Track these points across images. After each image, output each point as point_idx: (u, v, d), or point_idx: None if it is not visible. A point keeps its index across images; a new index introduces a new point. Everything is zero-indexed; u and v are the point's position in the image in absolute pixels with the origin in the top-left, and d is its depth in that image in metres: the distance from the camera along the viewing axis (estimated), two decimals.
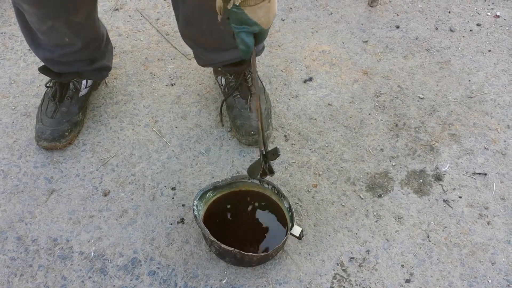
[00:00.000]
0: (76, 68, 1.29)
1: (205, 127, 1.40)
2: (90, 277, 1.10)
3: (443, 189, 1.27)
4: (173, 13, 1.72)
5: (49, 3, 1.08)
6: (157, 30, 1.66)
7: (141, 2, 1.75)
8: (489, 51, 1.61)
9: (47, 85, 1.34)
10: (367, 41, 1.64)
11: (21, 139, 1.34)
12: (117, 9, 1.72)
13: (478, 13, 1.75)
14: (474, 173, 1.30)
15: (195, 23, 1.20)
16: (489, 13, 1.75)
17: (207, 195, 1.16)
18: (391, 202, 1.24)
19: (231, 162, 1.32)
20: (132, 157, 1.32)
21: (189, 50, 1.59)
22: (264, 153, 1.10)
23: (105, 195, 1.24)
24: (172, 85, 1.50)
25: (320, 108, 1.44)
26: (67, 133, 1.30)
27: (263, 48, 1.35)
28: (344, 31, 1.68)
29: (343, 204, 1.23)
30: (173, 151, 1.34)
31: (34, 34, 1.22)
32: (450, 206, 1.23)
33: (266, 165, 1.11)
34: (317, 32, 1.68)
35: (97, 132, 1.37)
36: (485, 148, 1.35)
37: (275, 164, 1.31)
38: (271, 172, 1.13)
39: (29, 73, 1.51)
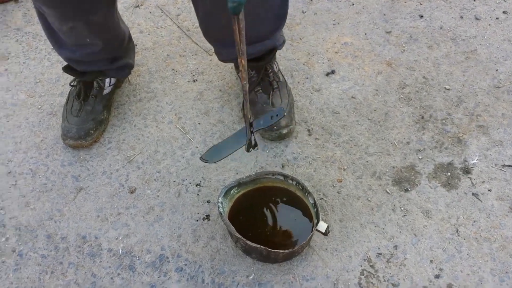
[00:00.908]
0: (98, 66, 1.30)
1: (228, 122, 1.40)
2: (119, 274, 1.11)
3: (472, 182, 1.24)
4: (193, 8, 1.72)
5: (67, 4, 1.09)
6: (178, 26, 1.66)
7: None
8: None
9: (72, 84, 1.36)
10: (390, 32, 1.61)
11: (48, 137, 1.36)
12: (138, 6, 1.73)
13: (504, 1, 1.70)
14: (504, 165, 1.27)
15: (214, 18, 1.19)
16: None
17: (232, 192, 1.17)
18: (419, 196, 1.22)
19: (254, 158, 1.31)
20: (156, 154, 1.33)
21: (210, 46, 1.58)
22: (250, 121, 1.04)
23: (132, 192, 1.25)
24: (194, 81, 1.50)
25: (343, 102, 1.43)
26: (92, 131, 1.32)
27: (284, 41, 1.34)
28: (366, 22, 1.65)
29: (369, 199, 1.22)
30: (197, 147, 1.34)
31: (56, 35, 1.23)
32: (479, 200, 1.21)
33: (252, 136, 1.06)
34: (338, 23, 1.66)
35: (122, 130, 1.38)
36: None
37: (299, 159, 1.30)
38: (255, 145, 1.08)
39: (53, 72, 1.52)
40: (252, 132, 1.05)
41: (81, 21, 1.14)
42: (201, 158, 1.12)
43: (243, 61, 0.87)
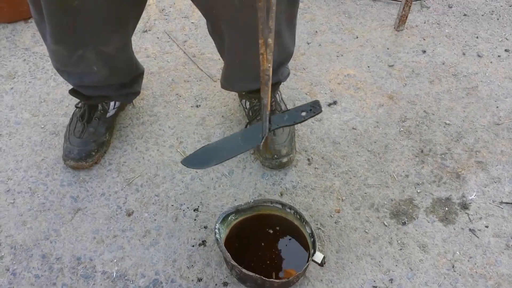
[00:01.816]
0: (105, 92, 1.32)
1: None
2: None
3: (469, 218, 1.24)
4: (200, 35, 1.75)
5: (79, 33, 1.09)
6: (184, 52, 1.69)
7: (169, 25, 1.79)
8: None
9: (77, 105, 1.38)
10: (392, 66, 1.64)
11: (49, 157, 1.37)
12: (146, 31, 1.76)
13: (507, 39, 1.73)
14: (501, 202, 1.27)
15: (233, 57, 1.21)
16: None
17: (229, 218, 1.17)
18: (416, 230, 1.22)
19: (253, 185, 1.32)
20: (156, 178, 1.33)
21: (214, 72, 1.61)
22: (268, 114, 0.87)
23: (129, 215, 1.25)
24: (197, 106, 1.52)
25: (344, 132, 1.44)
26: (93, 153, 1.33)
27: (288, 74, 1.36)
28: (369, 55, 1.68)
29: (367, 230, 1.22)
30: (197, 172, 1.35)
31: (65, 69, 1.24)
32: (476, 236, 1.21)
33: (269, 132, 0.90)
34: (342, 55, 1.68)
35: (123, 152, 1.39)
36: None
37: (298, 188, 1.31)
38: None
39: (58, 92, 1.55)
40: (270, 130, 0.91)
41: (90, 48, 1.14)
42: (183, 162, 0.93)
43: (270, 40, 0.77)
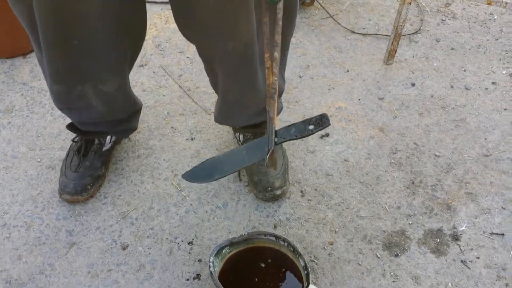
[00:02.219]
0: (103, 128, 1.34)
1: (223, 181, 1.42)
2: None
3: (461, 249, 1.26)
4: (195, 69, 1.80)
5: (76, 73, 1.11)
6: (180, 86, 1.73)
7: (165, 59, 1.83)
8: (505, 109, 1.63)
9: (74, 139, 1.40)
10: (383, 98, 1.68)
11: (45, 191, 1.38)
12: (142, 65, 1.80)
13: (493, 72, 1.78)
14: (492, 233, 1.29)
15: (227, 96, 1.24)
16: (504, 72, 1.78)
17: (223, 251, 1.17)
18: (408, 261, 1.23)
19: (248, 217, 1.33)
20: (151, 211, 1.34)
21: (209, 106, 1.64)
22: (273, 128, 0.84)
23: (124, 248, 1.26)
24: (192, 139, 1.55)
25: (336, 164, 1.46)
26: (89, 187, 1.34)
27: (282, 109, 1.39)
28: (360, 88, 1.72)
29: (360, 263, 1.23)
30: (191, 205, 1.36)
31: (67, 107, 1.26)
32: (467, 267, 1.22)
33: (275, 145, 0.86)
34: (333, 89, 1.72)
35: (118, 185, 1.40)
36: (502, 207, 1.35)
37: (292, 220, 1.32)
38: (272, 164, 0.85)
39: (55, 126, 1.57)
40: (276, 143, 0.88)
41: (90, 88, 1.16)
42: (184, 176, 0.89)
43: (276, 54, 0.77)
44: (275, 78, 0.79)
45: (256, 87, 1.15)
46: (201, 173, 0.92)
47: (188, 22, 1.05)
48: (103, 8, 0.99)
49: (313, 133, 0.90)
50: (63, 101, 1.21)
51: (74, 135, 1.40)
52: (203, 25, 1.01)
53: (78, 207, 1.35)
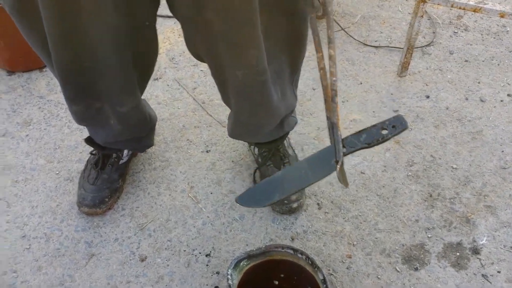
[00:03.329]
0: (119, 146, 1.35)
1: (239, 193, 1.42)
2: None
3: (481, 263, 1.25)
4: (208, 82, 1.81)
5: (90, 91, 1.11)
6: (194, 99, 1.74)
7: (179, 72, 1.84)
8: None
9: (92, 152, 1.41)
10: (397, 111, 1.68)
11: (64, 203, 1.39)
12: (157, 79, 1.82)
13: (509, 84, 1.78)
14: None
15: (240, 117, 1.24)
16: None
17: (241, 264, 1.17)
18: (428, 275, 1.22)
19: (265, 230, 1.33)
20: (168, 223, 1.35)
21: (224, 118, 1.65)
22: (338, 135, 0.72)
23: (142, 260, 1.26)
24: (207, 151, 1.55)
25: (352, 176, 1.46)
26: (107, 199, 1.35)
27: (296, 123, 1.39)
28: (374, 100, 1.72)
29: (379, 276, 1.22)
30: (208, 217, 1.36)
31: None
32: (489, 281, 1.21)
33: (344, 156, 0.74)
34: (347, 101, 1.73)
35: (135, 197, 1.41)
36: None
37: (309, 232, 1.32)
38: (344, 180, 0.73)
39: (72, 139, 1.58)
40: (345, 154, 0.77)
41: (108, 108, 1.16)
42: (237, 201, 0.79)
43: (332, 52, 0.69)
44: (334, 78, 0.71)
45: (269, 107, 1.14)
46: (257, 195, 0.79)
47: (197, 49, 1.05)
48: (113, 36, 0.99)
49: (387, 139, 0.78)
50: (82, 119, 1.22)
51: (92, 148, 1.41)
52: (212, 52, 1.02)
53: (96, 219, 1.35)
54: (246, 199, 0.79)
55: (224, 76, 1.08)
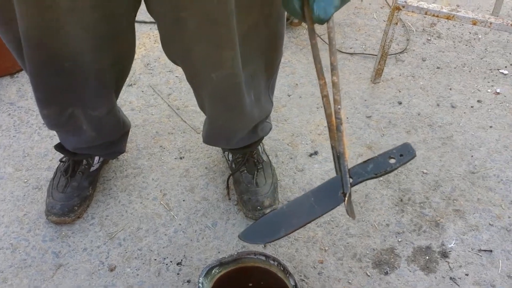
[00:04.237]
0: (91, 151, 1.33)
1: (212, 200, 1.42)
2: None
3: (450, 266, 1.26)
4: (184, 88, 1.80)
5: (65, 93, 1.09)
6: (169, 105, 1.73)
7: (154, 78, 1.83)
8: (491, 127, 1.65)
9: (61, 160, 1.39)
10: (370, 117, 1.69)
11: (31, 212, 1.37)
12: (131, 85, 1.80)
13: (479, 90, 1.81)
14: (480, 250, 1.30)
15: (214, 122, 1.24)
16: (489, 90, 1.81)
17: (213, 272, 1.16)
18: (398, 279, 1.23)
19: (237, 237, 1.33)
20: (139, 231, 1.33)
21: (198, 124, 1.65)
22: (344, 165, 0.71)
23: (111, 270, 1.24)
24: (181, 158, 1.54)
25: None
26: (76, 208, 1.33)
27: (270, 129, 1.39)
28: (348, 106, 1.73)
29: (350, 281, 1.23)
30: (180, 224, 1.35)
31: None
32: (457, 284, 1.22)
33: (351, 187, 0.71)
34: (322, 107, 1.73)
35: (106, 206, 1.39)
36: (490, 224, 1.36)
37: (281, 239, 1.31)
38: (351, 212, 0.71)
39: (42, 146, 1.56)
40: (352, 185, 0.73)
41: (81, 112, 1.15)
42: (241, 237, 0.77)
43: (336, 79, 0.68)
44: (338, 106, 0.70)
45: (243, 111, 1.15)
46: (262, 230, 0.76)
47: (173, 50, 1.05)
48: (90, 37, 0.98)
49: (395, 169, 0.75)
50: (54, 125, 1.20)
51: (62, 155, 1.39)
52: (188, 54, 1.02)
53: (65, 228, 1.33)
54: (250, 235, 0.77)
55: (199, 79, 1.08)
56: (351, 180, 0.73)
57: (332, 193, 0.73)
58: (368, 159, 0.75)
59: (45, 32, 0.94)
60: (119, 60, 1.11)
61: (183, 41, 0.99)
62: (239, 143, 1.33)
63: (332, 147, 0.75)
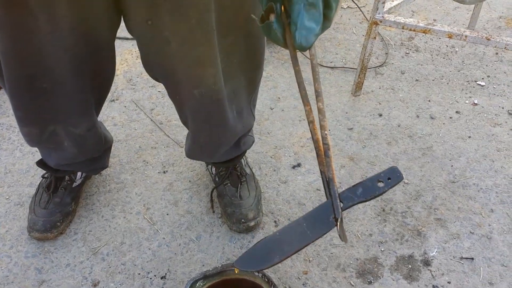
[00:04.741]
0: (73, 168, 1.33)
1: (196, 213, 1.42)
2: None
3: (432, 275, 1.27)
4: (166, 103, 1.81)
5: (45, 112, 1.08)
6: (151, 120, 1.74)
7: (137, 94, 1.84)
8: (469, 137, 1.69)
9: (44, 176, 1.38)
10: (352, 129, 1.72)
11: (14, 228, 1.35)
12: (113, 100, 1.81)
13: (457, 101, 1.85)
14: (462, 258, 1.31)
15: (197, 137, 1.24)
16: (467, 101, 1.85)
17: (197, 285, 1.16)
18: None
19: (221, 249, 1.33)
20: (122, 246, 1.32)
21: (181, 138, 1.65)
22: (336, 193, 0.72)
23: (95, 285, 1.23)
24: (164, 172, 1.54)
25: (308, 194, 1.48)
26: (59, 224, 1.32)
27: (253, 142, 1.40)
28: (329, 119, 1.76)
29: None
30: (164, 238, 1.35)
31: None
32: None
33: (342, 211, 0.73)
34: (304, 120, 1.75)
35: (89, 221, 1.38)
36: (470, 232, 1.38)
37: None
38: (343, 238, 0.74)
39: (24, 162, 1.55)
40: (343, 209, 0.74)
41: (62, 129, 1.14)
42: (236, 266, 0.76)
43: (321, 105, 0.69)
44: (326, 131, 0.71)
45: (226, 126, 1.16)
46: (256, 258, 0.76)
47: (155, 69, 1.06)
48: (70, 57, 0.98)
49: (384, 192, 0.77)
50: (35, 142, 1.18)
51: (44, 171, 1.38)
52: (169, 72, 1.03)
53: (47, 244, 1.32)
54: (244, 262, 0.76)
55: (181, 95, 1.09)
56: (341, 204, 0.73)
57: (324, 218, 0.74)
58: (357, 183, 0.77)
59: (25, 54, 0.94)
60: (99, 78, 1.11)
61: (164, 60, 1.00)
62: (222, 157, 1.34)
63: (321, 172, 0.75)
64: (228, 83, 1.06)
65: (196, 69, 0.99)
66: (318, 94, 0.69)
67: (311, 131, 0.73)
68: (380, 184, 0.76)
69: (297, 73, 0.71)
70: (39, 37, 0.91)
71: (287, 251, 0.73)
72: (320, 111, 0.71)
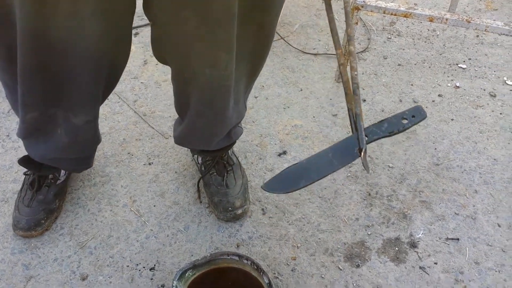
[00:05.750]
0: (57, 164, 1.30)
1: (183, 204, 1.42)
2: None
3: (419, 256, 1.29)
4: (149, 94, 1.79)
5: (49, 94, 1.06)
6: (135, 112, 1.72)
7: (119, 86, 1.82)
8: (452, 120, 1.71)
9: (26, 173, 1.36)
10: (336, 115, 1.72)
11: None
12: None
13: (439, 85, 1.86)
14: (447, 239, 1.34)
15: (195, 122, 1.23)
16: (449, 84, 1.87)
17: (187, 274, 1.16)
18: (369, 271, 1.26)
19: (210, 239, 1.33)
20: (110, 239, 1.32)
21: (166, 129, 1.64)
22: (358, 124, 0.78)
23: (83, 279, 1.23)
24: (149, 164, 1.54)
25: None
26: (43, 221, 1.30)
27: (242, 132, 1.40)
28: (314, 106, 1.76)
29: (323, 276, 1.24)
30: (152, 230, 1.35)
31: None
32: (426, 273, 1.26)
33: (367, 144, 0.77)
34: (288, 107, 1.76)
35: (75, 215, 1.37)
36: (455, 213, 1.40)
37: (254, 238, 1.33)
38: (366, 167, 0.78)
39: (7, 158, 1.52)
40: (368, 142, 0.80)
41: (61, 115, 1.11)
42: (264, 188, 0.82)
43: (353, 48, 0.73)
44: (355, 72, 0.79)
45: (226, 116, 1.16)
46: (283, 182, 0.81)
47: (167, 49, 1.04)
48: (90, 40, 0.95)
49: (408, 128, 0.82)
50: (33, 129, 1.15)
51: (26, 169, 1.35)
52: (182, 53, 1.01)
53: (34, 240, 1.30)
54: (271, 186, 0.82)
55: (190, 74, 1.06)
56: (366, 138, 0.78)
57: (349, 149, 0.79)
58: (383, 120, 0.82)
59: (43, 34, 0.91)
60: (113, 67, 1.09)
61: (180, 40, 0.98)
62: (214, 146, 1.33)
63: (349, 109, 0.82)
64: (235, 72, 1.06)
65: (211, 50, 0.97)
66: (349, 39, 0.77)
67: (341, 73, 0.82)
68: (404, 121, 0.82)
69: (331, 20, 0.76)
70: (59, 18, 0.89)
71: (314, 177, 0.78)
72: (351, 53, 0.79)
